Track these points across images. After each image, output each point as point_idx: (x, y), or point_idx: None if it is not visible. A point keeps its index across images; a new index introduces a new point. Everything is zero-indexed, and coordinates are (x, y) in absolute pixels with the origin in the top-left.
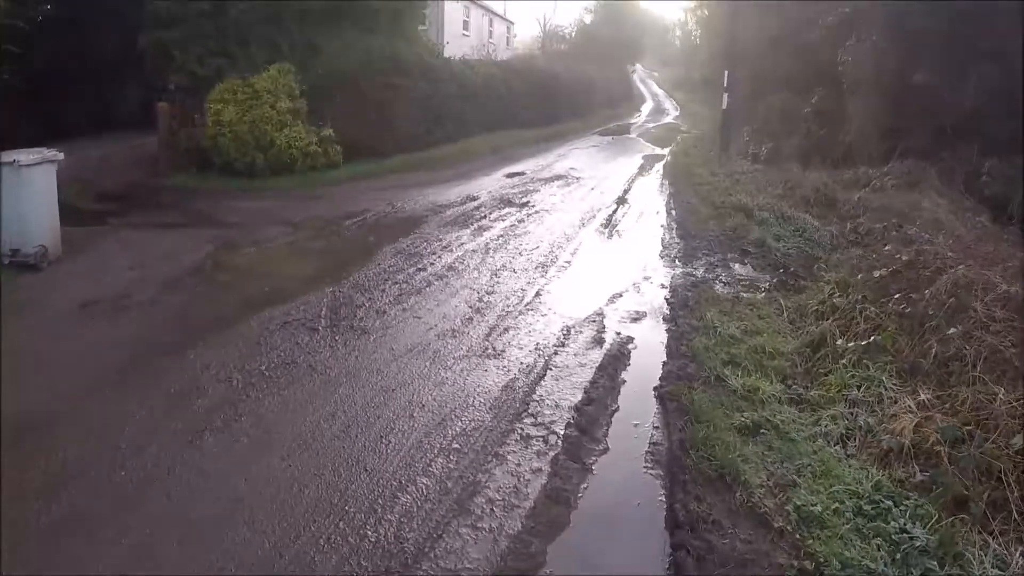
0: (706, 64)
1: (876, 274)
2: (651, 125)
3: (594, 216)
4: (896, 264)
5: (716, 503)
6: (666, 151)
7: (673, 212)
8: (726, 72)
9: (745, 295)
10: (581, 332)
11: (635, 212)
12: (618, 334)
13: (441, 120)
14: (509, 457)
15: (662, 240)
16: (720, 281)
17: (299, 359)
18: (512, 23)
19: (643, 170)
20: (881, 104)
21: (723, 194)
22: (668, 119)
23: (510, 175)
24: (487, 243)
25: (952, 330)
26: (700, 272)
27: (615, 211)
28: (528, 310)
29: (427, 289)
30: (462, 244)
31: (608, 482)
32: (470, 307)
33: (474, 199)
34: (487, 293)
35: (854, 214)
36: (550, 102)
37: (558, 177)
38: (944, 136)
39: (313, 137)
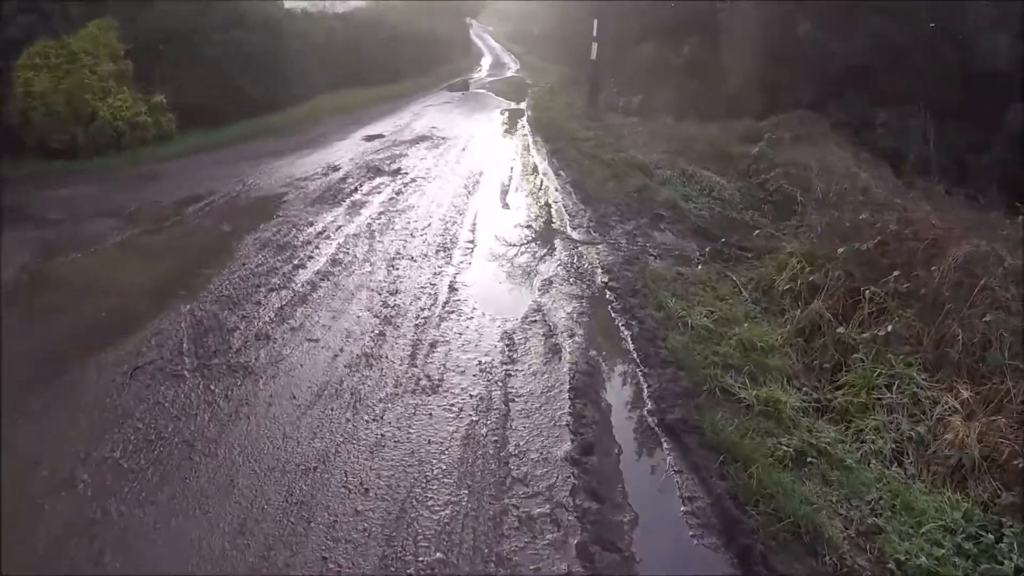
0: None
1: (863, 247)
2: (496, 79)
3: (478, 181)
4: (882, 235)
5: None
6: (523, 105)
7: (563, 173)
8: (595, 21)
9: (684, 270)
10: (527, 338)
11: (521, 174)
12: (572, 335)
13: (286, 80)
14: (517, 558)
15: (565, 208)
16: (649, 254)
17: (167, 430)
18: None
19: (509, 126)
20: (762, 57)
21: (610, 151)
22: (510, 73)
23: (369, 138)
24: (369, 224)
25: (985, 315)
26: (623, 243)
27: (499, 174)
28: (449, 313)
29: (314, 295)
30: (340, 227)
31: (661, 571)
32: (376, 316)
33: (336, 168)
34: (391, 293)
35: (757, 170)
36: (395, 57)
37: (422, 138)
38: (830, 89)
39: (142, 105)
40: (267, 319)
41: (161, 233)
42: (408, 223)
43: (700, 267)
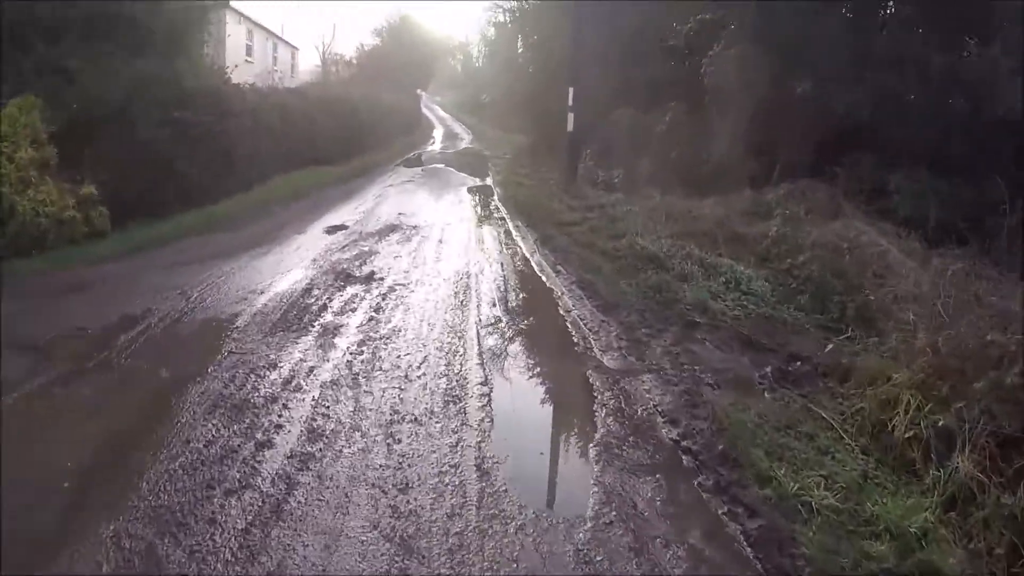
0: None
1: (1007, 379)
2: (452, 151)
3: (467, 286)
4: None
5: None
6: (489, 181)
7: (563, 270)
8: (571, 89)
9: (758, 406)
10: (609, 558)
11: (514, 273)
12: (665, 542)
13: (235, 163)
14: None
15: (582, 320)
16: (704, 382)
17: None
18: (297, 48)
19: (482, 208)
20: (754, 118)
21: (607, 236)
22: (464, 144)
23: (331, 230)
24: (349, 362)
25: None
26: (668, 367)
27: (489, 274)
28: (490, 519)
29: (290, 502)
30: (312, 371)
31: None
32: (388, 539)
33: (299, 276)
34: (400, 489)
35: (779, 254)
36: (350, 132)
37: (391, 228)
38: (831, 150)
39: (69, 198)
40: (227, 557)
41: (82, 380)
42: (398, 358)
43: (769, 396)
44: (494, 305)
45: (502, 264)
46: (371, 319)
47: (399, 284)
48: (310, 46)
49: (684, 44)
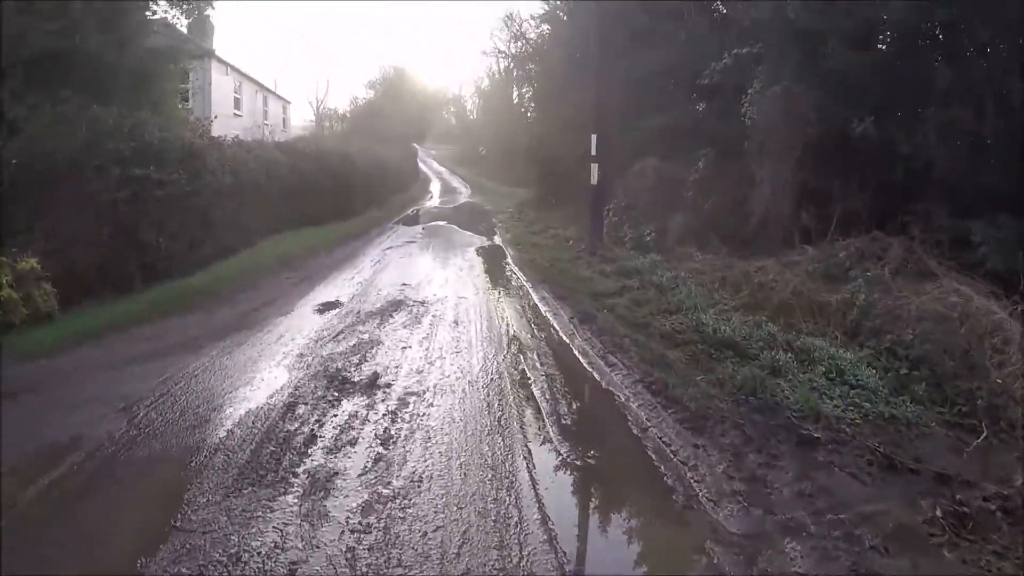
0: (487, 138)
1: None
2: (452, 206)
3: (501, 392)
4: None
5: None
6: (498, 240)
7: (616, 360)
8: (593, 137)
9: None
10: None
11: (558, 365)
12: None
13: (211, 226)
14: None
15: (666, 442)
16: (868, 543)
17: None
18: (289, 102)
19: (498, 275)
20: (803, 162)
21: (659, 311)
22: (464, 198)
23: (323, 308)
24: (349, 555)
25: None
26: (809, 523)
27: (528, 371)
28: None
29: None
30: (292, 574)
31: None
32: None
33: (277, 379)
34: None
35: (874, 329)
36: (345, 188)
37: (394, 305)
38: (891, 197)
39: (6, 274)
40: None
41: None
42: (425, 539)
43: (952, 555)
44: (543, 423)
45: (538, 355)
46: (378, 459)
47: (412, 393)
48: (304, 101)
49: (717, 83)
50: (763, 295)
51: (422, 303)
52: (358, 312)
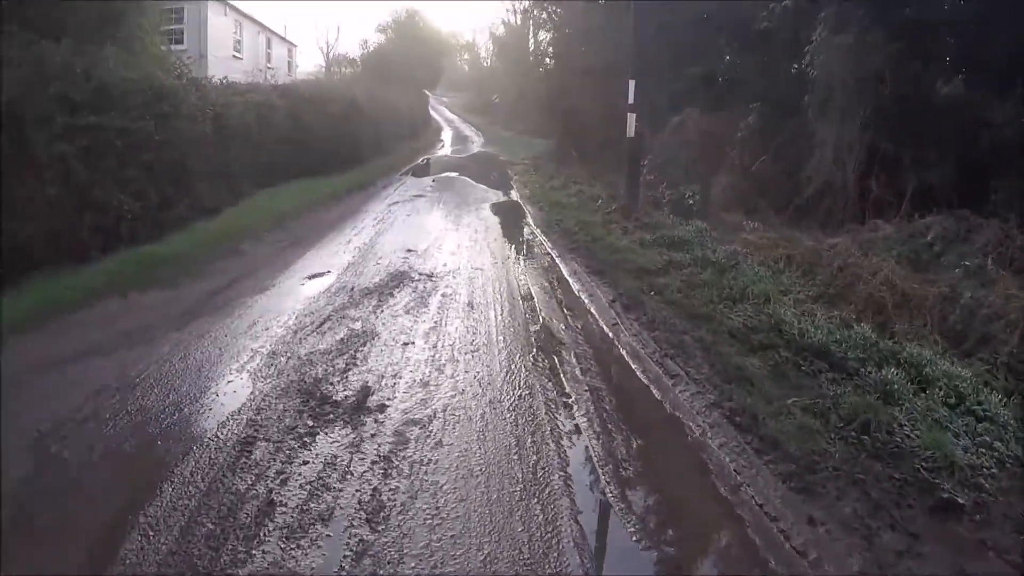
0: (501, 86)
1: None
2: (464, 156)
3: (534, 420)
4: None
5: None
6: (515, 195)
7: (679, 369)
8: (631, 83)
9: None
10: None
11: (604, 376)
12: None
13: (188, 181)
14: None
15: (771, 516)
16: None
17: None
18: (295, 45)
19: (517, 240)
20: (874, 125)
21: (721, 298)
22: (477, 147)
23: (309, 283)
24: None
25: None
26: None
27: (564, 383)
28: None
29: None
30: None
31: None
32: None
33: (240, 400)
34: None
35: (983, 336)
36: (350, 137)
37: (396, 279)
38: (974, 170)
39: None
40: None
41: None
42: None
43: None
44: (596, 477)
45: (576, 356)
46: (360, 554)
47: (413, 423)
48: (315, 47)
49: (771, 28)
50: (844, 283)
51: (429, 276)
52: (352, 289)
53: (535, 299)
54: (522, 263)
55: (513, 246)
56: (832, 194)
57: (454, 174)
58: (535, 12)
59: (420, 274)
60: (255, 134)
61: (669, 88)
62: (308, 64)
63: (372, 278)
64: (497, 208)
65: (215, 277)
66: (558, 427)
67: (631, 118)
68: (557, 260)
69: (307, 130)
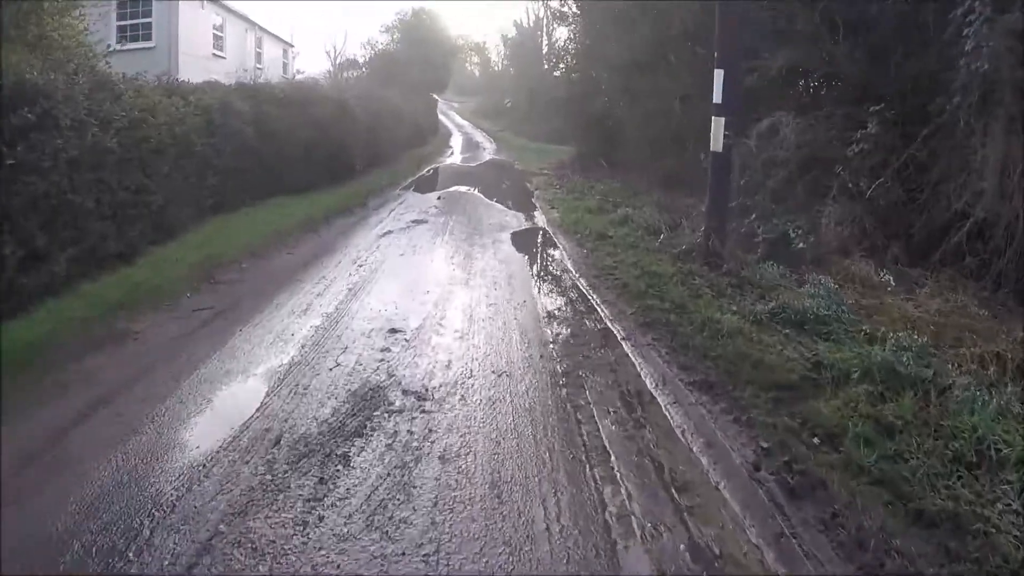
0: (514, 89)
1: None
2: (475, 165)
3: None
4: None
5: None
6: (541, 219)
7: None
8: (719, 74)
9: None
10: None
11: None
12: None
13: (73, 220)
14: None
15: None
16: None
17: None
18: (291, 45)
19: (554, 305)
20: None
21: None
22: (489, 155)
23: (200, 438)
24: None
25: None
26: None
27: None
28: None
29: None
30: None
31: None
32: None
33: None
34: None
35: None
36: (338, 146)
37: (361, 407)
38: None
39: None
40: None
41: None
42: None
43: None
44: None
45: None
46: None
47: None
48: (320, 51)
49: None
50: None
51: (419, 398)
52: (276, 442)
53: (612, 458)
54: (571, 357)
55: (553, 320)
56: (995, 235)
57: (464, 188)
58: (551, 3)
59: (404, 392)
60: (201, 146)
61: (744, 82)
62: (315, 69)
63: (320, 407)
64: (520, 241)
65: (44, 414)
66: None
67: (717, 124)
68: (628, 350)
69: (280, 139)
